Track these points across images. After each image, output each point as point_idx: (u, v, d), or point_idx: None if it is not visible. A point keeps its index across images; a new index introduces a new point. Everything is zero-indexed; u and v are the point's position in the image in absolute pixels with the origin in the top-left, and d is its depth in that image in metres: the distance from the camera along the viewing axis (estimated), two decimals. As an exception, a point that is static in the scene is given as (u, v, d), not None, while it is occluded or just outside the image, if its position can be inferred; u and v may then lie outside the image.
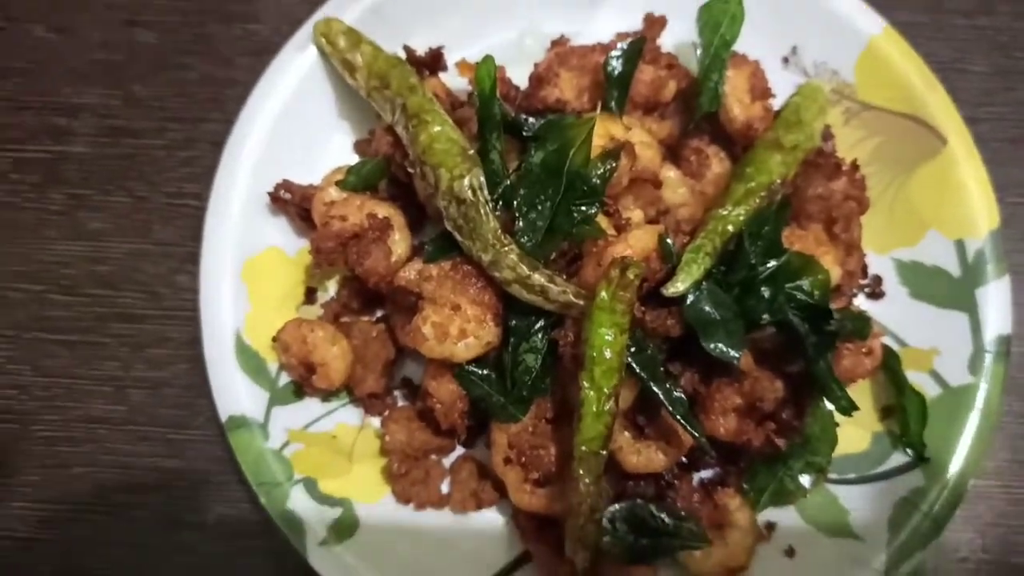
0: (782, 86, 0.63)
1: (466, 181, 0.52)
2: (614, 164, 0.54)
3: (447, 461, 0.59)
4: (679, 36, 0.64)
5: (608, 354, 0.49)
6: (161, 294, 0.62)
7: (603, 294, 0.49)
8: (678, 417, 0.51)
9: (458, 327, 0.52)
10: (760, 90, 0.61)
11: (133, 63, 0.67)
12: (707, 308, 0.53)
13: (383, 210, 0.56)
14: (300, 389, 0.58)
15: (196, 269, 0.61)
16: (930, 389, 0.58)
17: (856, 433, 0.59)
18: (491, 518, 0.57)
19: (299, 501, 0.55)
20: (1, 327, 0.62)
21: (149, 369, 0.61)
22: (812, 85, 0.62)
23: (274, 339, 0.57)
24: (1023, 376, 0.62)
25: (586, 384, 0.50)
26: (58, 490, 0.59)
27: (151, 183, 0.64)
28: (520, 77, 0.63)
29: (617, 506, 0.53)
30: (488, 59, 0.54)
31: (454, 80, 0.62)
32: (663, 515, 0.54)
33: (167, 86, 0.66)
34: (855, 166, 0.60)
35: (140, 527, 0.58)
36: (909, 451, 0.57)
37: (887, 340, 0.60)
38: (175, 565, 0.58)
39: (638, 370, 0.51)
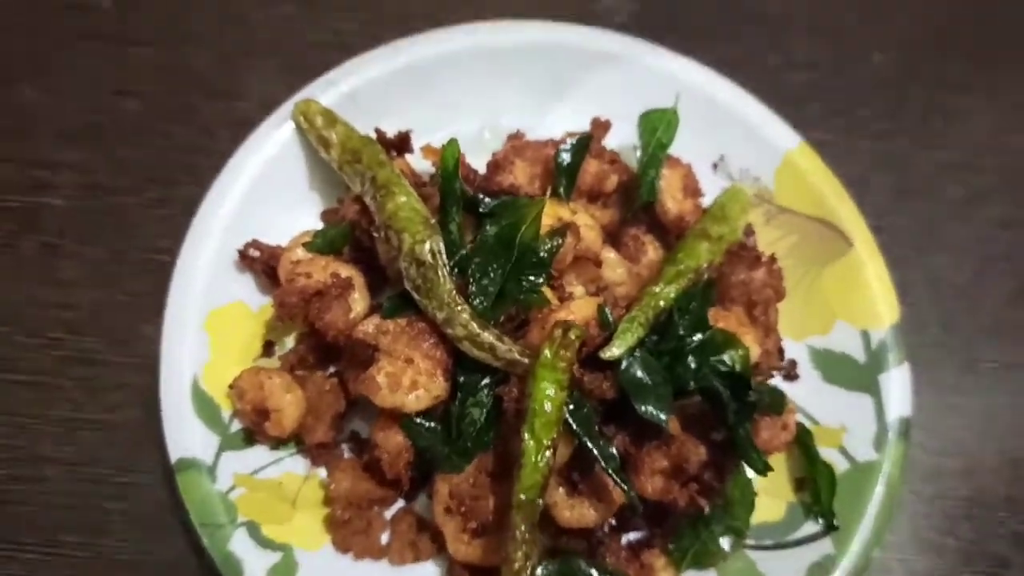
0: (711, 188, 0.71)
1: (427, 245, 0.57)
2: (560, 241, 0.60)
3: (388, 515, 0.61)
4: (621, 139, 0.71)
5: (548, 408, 0.54)
6: (123, 341, 0.65)
7: (546, 352, 0.54)
8: (610, 472, 0.55)
9: (410, 379, 0.56)
10: (691, 189, 0.69)
11: (117, 126, 0.71)
12: (639, 374, 0.58)
13: (345, 271, 0.61)
14: (250, 436, 0.60)
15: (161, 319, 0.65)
16: (839, 464, 0.63)
17: (772, 503, 0.63)
18: (428, 570, 0.59)
19: (240, 544, 0.56)
20: (-41, 364, 0.63)
21: (102, 412, 0.63)
22: (736, 188, 0.70)
23: (231, 385, 0.60)
24: (922, 457, 0.68)
25: (527, 435, 0.54)
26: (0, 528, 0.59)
27: (126, 237, 0.68)
28: (479, 164, 0.69)
29: (550, 560, 0.56)
30: (453, 141, 0.60)
31: (418, 163, 0.68)
32: (593, 570, 0.57)
33: (147, 149, 0.71)
34: (773, 259, 0.67)
35: (79, 569, 0.58)
36: (820, 520, 0.62)
37: (801, 418, 0.65)
38: (110, 608, 0.58)
39: (575, 426, 0.56)
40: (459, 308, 0.56)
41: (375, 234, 0.61)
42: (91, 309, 0.66)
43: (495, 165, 0.67)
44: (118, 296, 0.66)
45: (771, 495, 0.63)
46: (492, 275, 0.58)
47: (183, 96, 0.73)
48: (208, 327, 0.61)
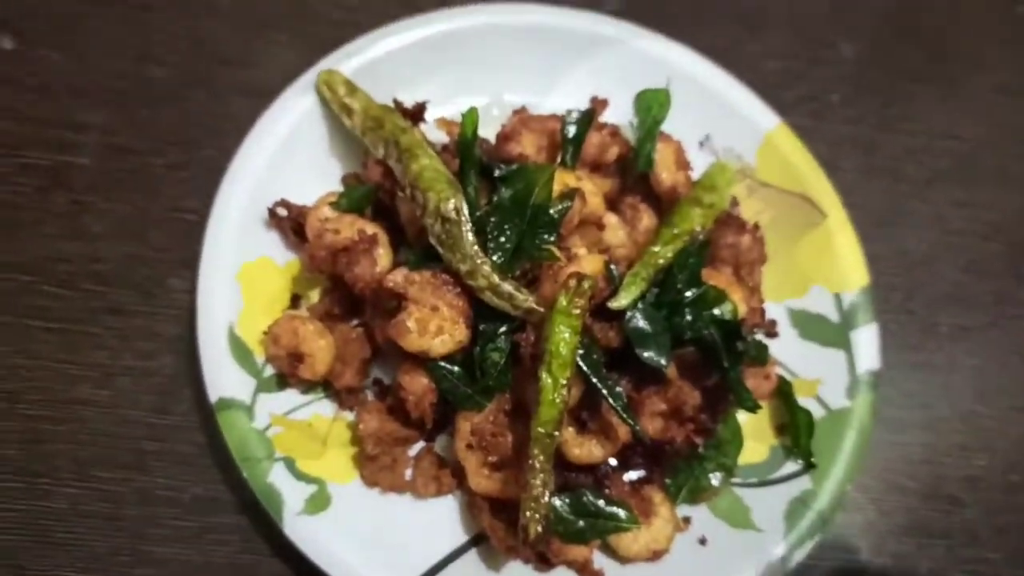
0: (698, 164, 0.77)
1: (451, 203, 0.62)
2: (569, 204, 0.66)
3: (410, 453, 0.66)
4: (617, 116, 0.77)
5: (564, 350, 0.59)
6: (153, 293, 0.68)
7: (562, 300, 0.60)
8: (618, 409, 0.61)
9: (436, 325, 0.61)
10: (682, 162, 0.75)
11: (139, 91, 0.74)
12: (642, 323, 0.64)
13: (371, 228, 0.65)
14: (283, 380, 0.65)
15: (188, 273, 0.69)
16: (816, 411, 0.70)
17: (757, 446, 0.70)
18: (449, 503, 0.64)
19: (279, 476, 0.60)
20: (-10, 312, 0.66)
21: (136, 359, 0.66)
22: (722, 163, 0.76)
23: (265, 332, 0.64)
24: (888, 410, 0.75)
25: (544, 375, 0.59)
26: (37, 464, 0.62)
27: (150, 195, 0.71)
28: (487, 136, 0.74)
29: (561, 493, 0.62)
30: (472, 110, 0.65)
31: (431, 134, 0.73)
32: (600, 501, 0.63)
33: (169, 114, 0.74)
34: (757, 226, 0.74)
35: (116, 501, 0.62)
36: (799, 460, 0.69)
37: (781, 371, 0.72)
38: (147, 536, 0.61)
39: (585, 369, 0.61)
40: (481, 261, 0.61)
41: (399, 194, 0.66)
42: (120, 262, 0.69)
43: (504, 136, 0.73)
44: (145, 251, 0.70)
45: (755, 439, 0.70)
46: (508, 233, 0.64)
47: (202, 65, 0.76)
48: (240, 278, 0.65)
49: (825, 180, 0.77)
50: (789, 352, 0.73)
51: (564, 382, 0.59)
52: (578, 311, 0.60)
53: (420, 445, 0.66)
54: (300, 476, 0.61)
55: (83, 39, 0.75)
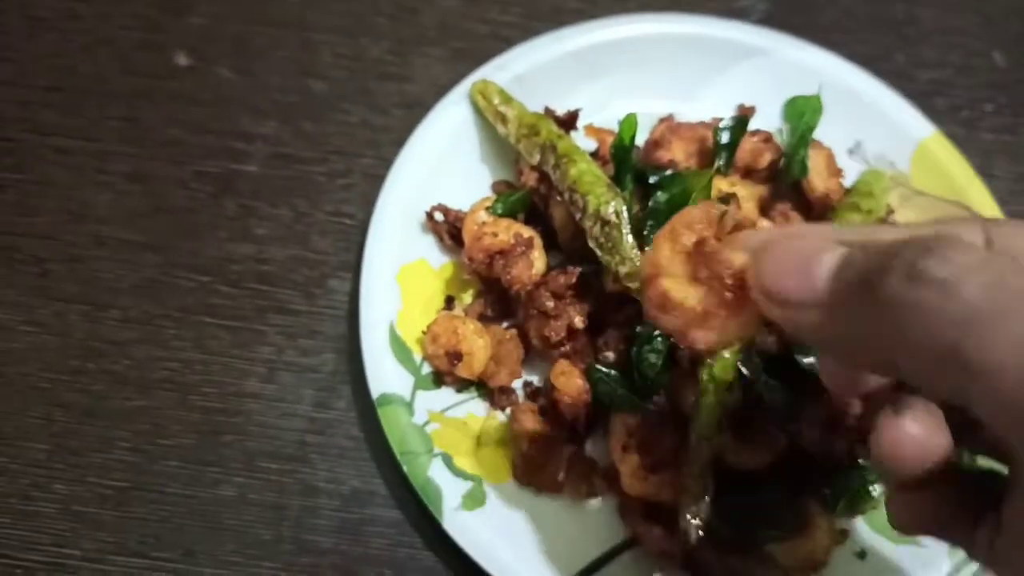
0: (848, 171, 0.75)
1: (611, 206, 0.62)
2: (726, 209, 0.65)
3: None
4: (763, 125, 0.77)
5: (727, 353, 0.59)
6: (314, 294, 0.71)
7: (726, 301, 0.59)
8: (777, 416, 0.60)
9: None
10: (834, 169, 0.74)
11: (304, 105, 0.78)
12: (802, 329, 0.62)
13: (527, 231, 0.67)
14: (439, 379, 0.66)
15: (348, 275, 0.71)
16: (980, 426, 0.67)
17: (917, 460, 0.67)
18: (600, 506, 0.64)
19: (438, 471, 0.62)
20: (171, 309, 0.70)
21: (299, 356, 0.69)
22: (876, 171, 0.75)
23: (424, 331, 0.66)
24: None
25: (706, 378, 0.59)
26: (209, 454, 0.65)
27: (312, 201, 0.74)
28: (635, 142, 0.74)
29: (719, 499, 0.61)
30: (631, 116, 0.66)
31: (580, 142, 0.74)
32: (758, 509, 0.62)
33: (331, 125, 0.78)
34: (916, 234, 0.71)
35: (281, 491, 0.64)
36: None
37: (941, 384, 0.69)
38: (309, 526, 0.63)
39: (746, 373, 0.60)
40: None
41: (555, 199, 0.67)
42: (284, 264, 0.72)
43: (654, 143, 0.73)
44: (307, 253, 0.73)
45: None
46: (664, 237, 0.64)
47: (361, 80, 0.80)
48: (399, 279, 0.68)
49: (982, 187, 0.74)
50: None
51: (725, 385, 0.58)
52: (741, 313, 0.60)
53: (571, 447, 0.67)
54: (457, 472, 0.62)
55: (252, 56, 0.80)
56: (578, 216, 0.64)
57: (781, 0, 0.87)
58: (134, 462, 0.65)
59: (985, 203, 0.74)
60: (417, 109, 0.76)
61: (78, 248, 0.71)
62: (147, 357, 0.68)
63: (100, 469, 0.65)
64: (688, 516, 0.58)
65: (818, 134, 0.75)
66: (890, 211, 0.75)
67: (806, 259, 0.34)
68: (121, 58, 0.79)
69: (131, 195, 0.73)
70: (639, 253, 0.61)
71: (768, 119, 0.77)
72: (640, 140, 0.74)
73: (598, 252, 0.63)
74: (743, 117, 0.71)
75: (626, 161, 0.66)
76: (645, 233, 0.63)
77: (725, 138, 0.70)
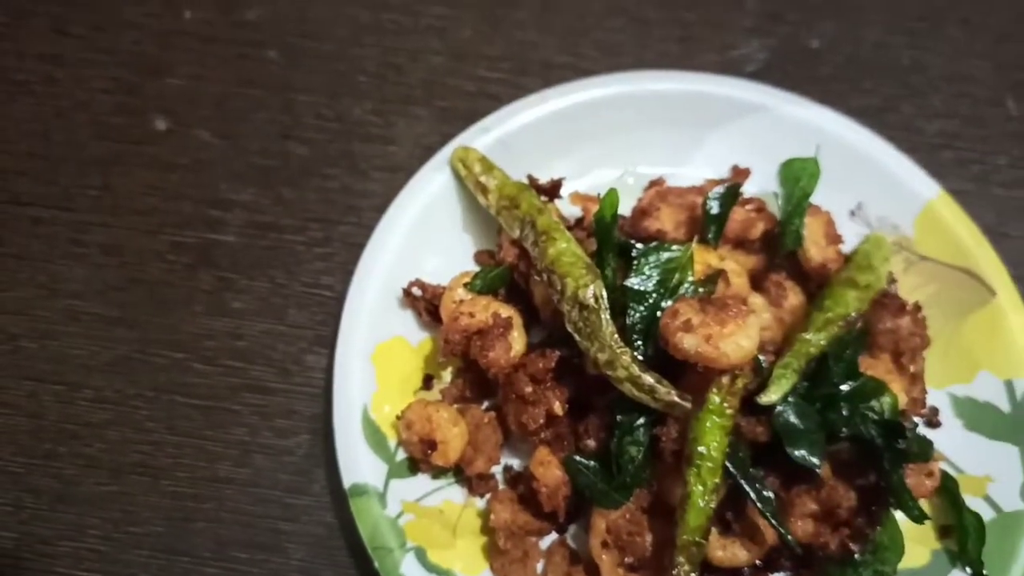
0: (848, 235, 0.72)
1: (590, 290, 0.60)
2: (712, 287, 0.62)
3: (542, 545, 0.64)
4: (759, 185, 0.74)
5: (715, 453, 0.56)
6: (290, 371, 0.69)
7: (714, 398, 0.57)
8: (767, 514, 0.57)
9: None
10: (832, 236, 0.70)
11: (284, 169, 0.76)
12: (793, 419, 0.59)
13: (505, 311, 0.64)
14: (414, 465, 0.64)
15: (325, 350, 0.69)
16: (985, 512, 0.63)
17: (917, 550, 0.64)
18: (581, 601, 0.62)
19: (410, 568, 0.59)
20: (144, 388, 0.68)
21: (274, 437, 0.67)
22: (878, 236, 0.71)
23: (398, 416, 0.63)
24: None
25: (693, 479, 0.56)
26: (180, 542, 0.64)
27: (290, 272, 0.72)
28: (622, 206, 0.71)
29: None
30: (612, 192, 0.63)
31: (565, 208, 0.72)
32: (745, 608, 0.59)
33: (311, 191, 0.76)
34: (918, 307, 0.68)
35: (253, 583, 0.63)
36: (967, 569, 0.62)
37: (944, 466, 0.66)
38: (283, 622, 0.62)
39: (732, 469, 0.58)
40: (620, 350, 0.58)
41: (535, 277, 0.64)
42: (259, 340, 0.70)
43: (641, 212, 0.70)
44: (283, 328, 0.71)
45: (916, 541, 0.64)
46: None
47: (343, 142, 0.78)
48: (374, 359, 0.65)
49: (992, 253, 0.70)
50: (953, 444, 0.67)
51: (712, 487, 0.56)
52: (731, 411, 0.57)
53: (552, 537, 0.64)
54: (431, 568, 0.60)
55: (232, 119, 0.78)
56: (556, 298, 0.61)
57: (780, 49, 0.84)
58: (104, 551, 0.64)
59: (993, 268, 0.70)
60: (400, 173, 0.74)
61: (51, 324, 0.70)
62: (120, 439, 0.67)
63: (70, 559, 0.63)
64: (673, 622, 0.55)
65: (818, 196, 0.71)
66: (892, 279, 0.71)
67: None
68: (97, 123, 0.77)
69: (106, 268, 0.72)
70: (619, 339, 0.59)
71: (765, 178, 0.74)
72: (629, 207, 0.71)
73: (576, 337, 0.60)
74: (734, 185, 0.68)
75: (608, 239, 0.63)
76: (629, 321, 0.60)
77: (715, 208, 0.67)
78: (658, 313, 0.60)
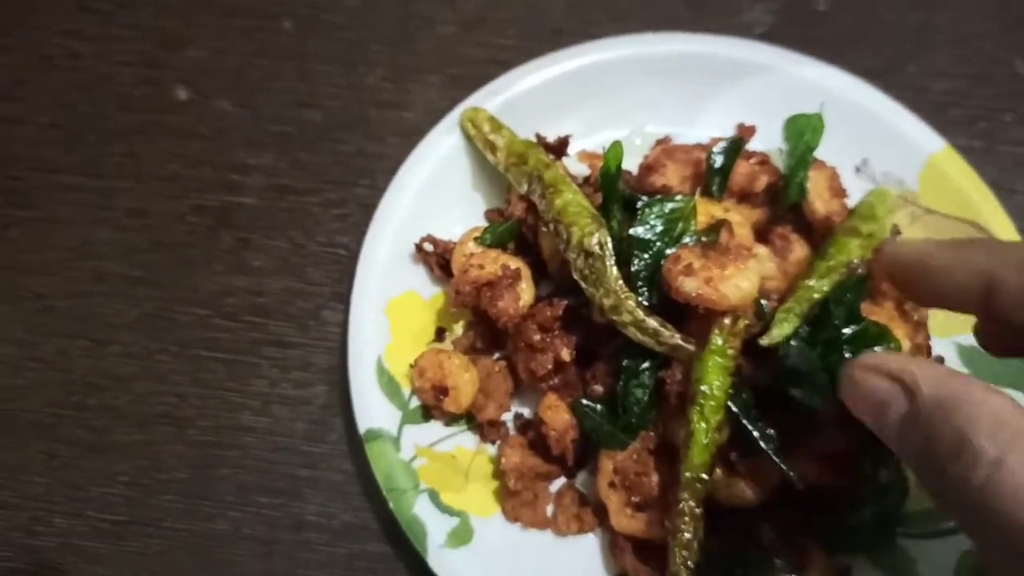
0: (854, 190, 0.73)
1: (595, 238, 0.61)
2: (716, 236, 0.64)
3: (551, 489, 0.66)
4: (765, 143, 0.75)
5: (717, 392, 0.57)
6: (308, 326, 0.71)
7: (716, 339, 0.58)
8: (770, 452, 0.58)
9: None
10: (837, 190, 0.71)
11: (300, 135, 0.79)
12: (795, 362, 0.60)
13: (514, 263, 0.66)
14: (427, 412, 0.66)
15: (341, 306, 0.72)
16: (990, 458, 0.64)
17: (923, 492, 0.65)
18: (590, 541, 0.63)
19: (423, 508, 0.61)
20: (168, 343, 0.71)
21: (292, 388, 0.69)
22: (882, 189, 0.72)
23: (411, 364, 0.65)
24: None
25: (696, 418, 0.57)
26: (204, 488, 0.66)
27: (307, 232, 0.75)
28: (630, 166, 0.73)
29: (710, 538, 0.59)
30: (616, 144, 0.64)
31: (573, 167, 0.73)
32: (752, 548, 0.60)
33: (327, 155, 0.78)
34: (921, 256, 0.69)
35: (273, 526, 0.65)
36: (972, 511, 0.63)
37: (950, 413, 0.67)
38: (300, 561, 0.64)
39: (735, 410, 0.59)
40: (625, 296, 0.60)
41: (542, 229, 0.66)
42: (279, 296, 0.73)
43: (647, 167, 0.72)
44: (300, 285, 0.73)
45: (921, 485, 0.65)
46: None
47: (357, 108, 0.80)
48: (388, 312, 0.68)
49: (997, 205, 0.71)
50: (960, 392, 0.68)
51: (715, 424, 0.57)
52: (732, 351, 0.58)
53: (561, 481, 0.66)
54: (444, 508, 0.62)
55: (250, 88, 0.80)
56: (562, 248, 0.63)
57: (787, 12, 0.85)
58: (132, 496, 0.66)
59: (999, 221, 0.71)
60: (413, 136, 0.76)
61: (79, 284, 0.73)
62: (146, 392, 0.69)
63: (100, 503, 0.66)
64: (679, 559, 0.56)
65: (823, 152, 0.72)
66: (897, 232, 0.72)
67: (879, 406, 0.43)
68: (120, 94, 0.80)
69: (131, 230, 0.75)
70: (623, 285, 0.60)
71: (771, 138, 0.75)
72: (635, 164, 0.73)
73: (583, 284, 0.62)
74: (738, 139, 0.69)
75: (613, 190, 0.64)
76: (634, 268, 0.62)
77: (718, 162, 0.68)
78: (661, 261, 0.62)
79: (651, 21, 0.84)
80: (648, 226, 0.63)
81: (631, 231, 0.63)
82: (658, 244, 0.63)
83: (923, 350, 0.68)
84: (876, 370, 0.44)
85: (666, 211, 0.64)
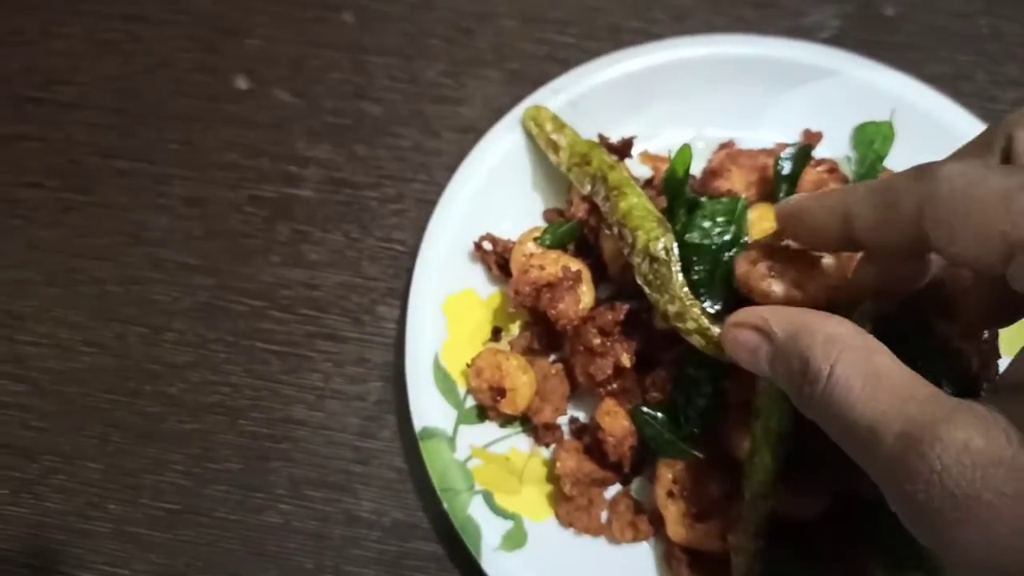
0: (919, 200, 0.71)
1: (660, 243, 0.60)
2: (776, 240, 0.63)
3: (607, 495, 0.65)
4: (832, 151, 0.73)
5: (783, 404, 0.56)
6: (363, 320, 0.71)
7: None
8: (831, 464, 0.57)
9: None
10: (905, 200, 0.70)
11: (358, 128, 0.78)
12: (861, 375, 0.59)
13: (575, 264, 0.65)
14: (483, 413, 0.65)
15: (396, 302, 0.71)
16: None
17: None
18: (645, 550, 0.63)
19: (478, 510, 0.61)
20: (223, 332, 0.71)
21: (346, 383, 0.69)
22: (950, 201, 0.71)
23: (468, 364, 0.65)
24: None
25: (759, 431, 0.56)
26: (256, 479, 0.66)
27: (364, 227, 0.74)
28: (691, 169, 0.72)
29: (771, 552, 0.58)
30: (685, 148, 0.63)
31: (635, 168, 0.72)
32: (812, 563, 0.59)
33: (384, 149, 0.77)
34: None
35: (324, 520, 0.65)
36: None
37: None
38: (350, 557, 0.64)
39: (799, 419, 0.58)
40: (690, 303, 0.59)
41: (605, 231, 0.65)
42: (334, 290, 0.72)
43: (712, 172, 0.70)
44: (356, 279, 0.73)
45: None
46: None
47: (415, 103, 0.79)
48: (445, 310, 0.67)
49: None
50: None
51: (779, 439, 0.56)
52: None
53: (617, 488, 0.65)
54: (498, 511, 0.62)
55: (308, 79, 0.80)
56: (626, 251, 0.62)
57: (853, 16, 0.83)
58: (185, 485, 0.66)
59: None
60: (470, 133, 0.76)
61: (135, 270, 0.73)
62: (200, 380, 0.69)
63: (153, 491, 0.66)
64: (740, 574, 0.55)
65: (890, 162, 0.71)
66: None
67: (751, 353, 0.48)
68: (178, 80, 0.80)
69: (187, 218, 0.75)
70: (688, 292, 0.59)
71: (836, 145, 0.74)
72: (699, 167, 0.72)
73: (646, 289, 0.61)
74: (806, 146, 0.68)
75: (679, 194, 0.63)
76: (693, 276, 0.61)
77: (786, 168, 0.67)
78: (719, 266, 0.61)
79: (713, 23, 0.83)
80: (702, 231, 0.62)
81: (685, 237, 0.62)
82: (713, 248, 0.61)
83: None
84: (742, 324, 0.48)
85: (717, 214, 0.63)
